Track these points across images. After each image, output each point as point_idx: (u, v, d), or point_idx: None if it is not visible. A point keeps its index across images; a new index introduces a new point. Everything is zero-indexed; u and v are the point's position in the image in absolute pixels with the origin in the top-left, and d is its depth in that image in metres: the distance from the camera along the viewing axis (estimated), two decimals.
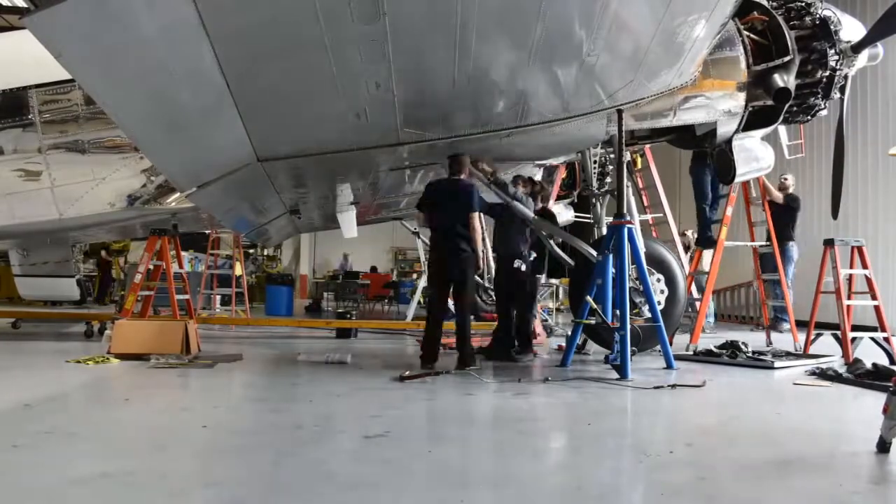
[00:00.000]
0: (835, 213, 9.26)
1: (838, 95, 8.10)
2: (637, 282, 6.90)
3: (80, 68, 3.93)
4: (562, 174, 12.90)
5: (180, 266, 9.18)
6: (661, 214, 12.74)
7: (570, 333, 7.62)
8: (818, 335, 8.26)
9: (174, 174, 5.94)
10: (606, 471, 3.23)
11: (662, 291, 7.50)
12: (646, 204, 13.29)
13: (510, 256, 7.67)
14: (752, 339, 8.67)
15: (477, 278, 13.53)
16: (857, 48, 7.64)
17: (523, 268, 7.62)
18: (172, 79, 4.25)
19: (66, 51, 3.58)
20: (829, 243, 8.16)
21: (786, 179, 10.44)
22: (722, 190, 9.26)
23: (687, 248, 12.34)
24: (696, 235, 10.42)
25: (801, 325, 8.96)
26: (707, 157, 8.84)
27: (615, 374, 6.16)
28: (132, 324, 7.50)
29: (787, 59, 7.13)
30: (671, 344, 7.29)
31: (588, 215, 8.61)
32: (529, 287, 7.85)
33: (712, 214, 9.37)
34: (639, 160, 13.08)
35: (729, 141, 7.79)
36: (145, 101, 4.48)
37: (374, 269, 23.70)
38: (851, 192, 12.80)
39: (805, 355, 7.87)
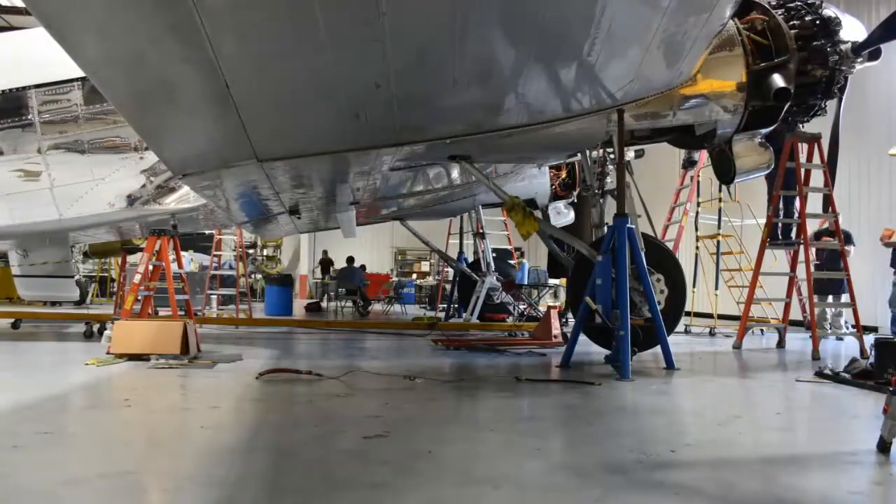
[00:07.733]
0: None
1: (837, 95, 8.10)
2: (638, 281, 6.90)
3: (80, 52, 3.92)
4: (562, 174, 12.91)
5: (180, 266, 9.18)
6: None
7: (570, 333, 7.62)
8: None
9: (171, 164, 5.96)
10: (607, 471, 3.23)
11: (662, 291, 7.49)
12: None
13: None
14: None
15: (474, 275, 13.54)
16: (857, 50, 7.63)
17: None
18: (172, 78, 4.25)
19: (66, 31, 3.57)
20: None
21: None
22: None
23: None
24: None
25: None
26: None
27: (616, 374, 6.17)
28: (132, 324, 7.50)
29: (786, 58, 7.13)
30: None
31: None
32: None
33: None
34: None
35: (729, 141, 7.79)
36: (143, 95, 4.47)
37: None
38: (847, 191, 12.84)
39: None
